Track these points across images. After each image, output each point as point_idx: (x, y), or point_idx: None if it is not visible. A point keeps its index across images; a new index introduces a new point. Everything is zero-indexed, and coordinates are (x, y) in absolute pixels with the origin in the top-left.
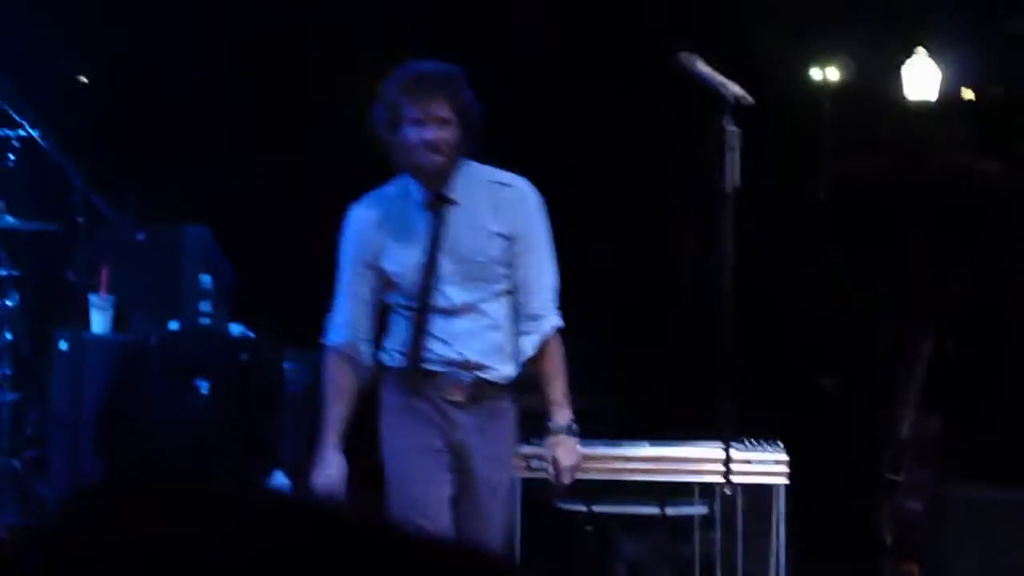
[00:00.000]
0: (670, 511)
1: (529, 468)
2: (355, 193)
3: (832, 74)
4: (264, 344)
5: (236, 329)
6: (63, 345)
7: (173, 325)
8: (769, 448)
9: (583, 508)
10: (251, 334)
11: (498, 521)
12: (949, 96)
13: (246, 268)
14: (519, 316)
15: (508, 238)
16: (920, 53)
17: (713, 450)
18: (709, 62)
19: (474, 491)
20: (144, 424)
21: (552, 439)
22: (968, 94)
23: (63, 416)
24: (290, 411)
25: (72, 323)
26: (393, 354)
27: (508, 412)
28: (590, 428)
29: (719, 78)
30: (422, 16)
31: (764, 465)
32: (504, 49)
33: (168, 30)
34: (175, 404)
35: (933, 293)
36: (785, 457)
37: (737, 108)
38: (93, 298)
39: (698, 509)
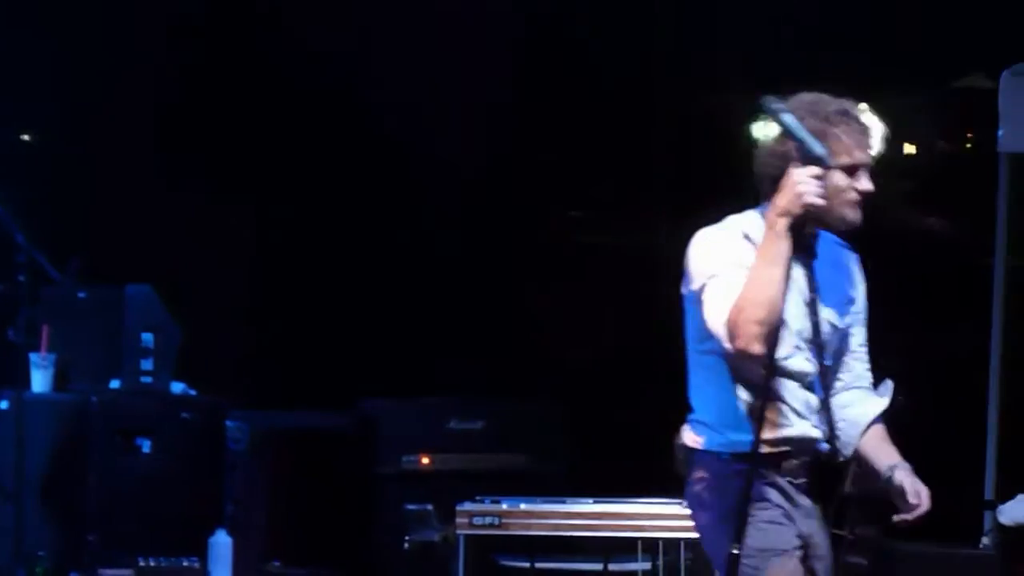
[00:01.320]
0: (613, 567)
1: (471, 524)
2: (296, 252)
3: (772, 130)
4: (206, 402)
5: (178, 387)
6: (3, 404)
7: (115, 384)
8: None
9: (526, 564)
10: (193, 392)
11: None
12: (891, 151)
13: (189, 326)
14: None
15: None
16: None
17: (656, 506)
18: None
19: None
20: (87, 484)
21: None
22: (909, 148)
23: (5, 476)
24: (232, 470)
25: (13, 382)
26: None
27: None
28: (538, 485)
29: (803, 132)
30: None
31: None
32: None
33: (111, 90)
34: (118, 463)
35: (878, 349)
36: None
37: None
38: (34, 357)
39: (641, 565)
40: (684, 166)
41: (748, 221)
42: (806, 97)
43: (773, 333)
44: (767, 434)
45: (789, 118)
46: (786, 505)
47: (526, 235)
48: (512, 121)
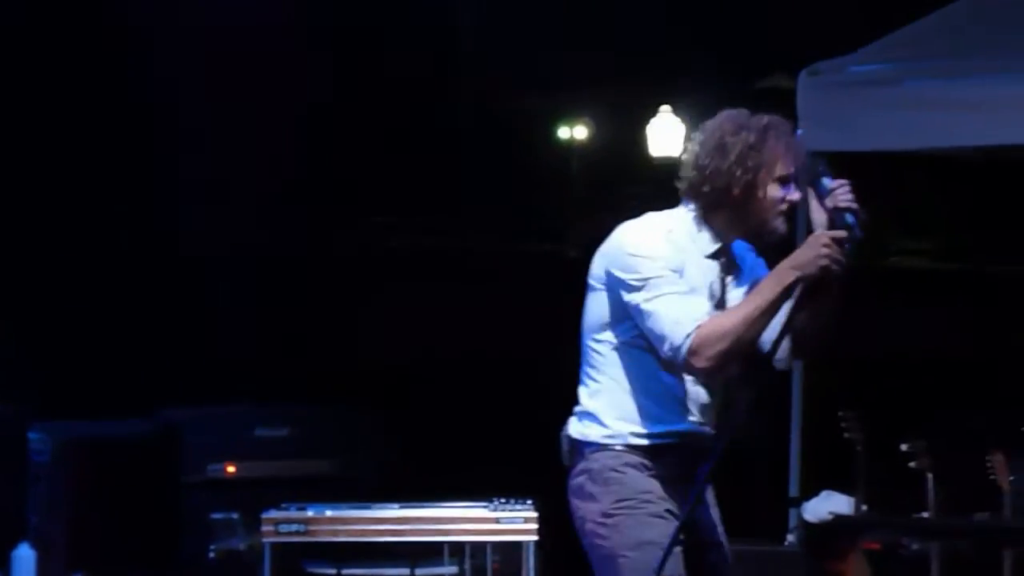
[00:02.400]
0: (420, 572)
1: (277, 532)
2: (95, 267)
3: (579, 132)
4: (7, 414)
5: None
6: None
7: None
8: (519, 506)
9: (333, 571)
10: None
11: None
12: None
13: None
14: None
15: None
16: (665, 111)
17: (462, 510)
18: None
19: None
20: None
21: None
22: None
23: None
24: (36, 481)
25: None
26: (653, 427)
27: None
28: (345, 491)
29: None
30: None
31: (513, 523)
32: None
33: None
34: None
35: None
36: (535, 514)
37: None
38: None
39: (448, 569)
40: (490, 170)
41: (674, 222)
42: (733, 112)
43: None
44: (651, 429)
45: (829, 182)
46: (671, 498)
47: (331, 240)
48: (318, 127)
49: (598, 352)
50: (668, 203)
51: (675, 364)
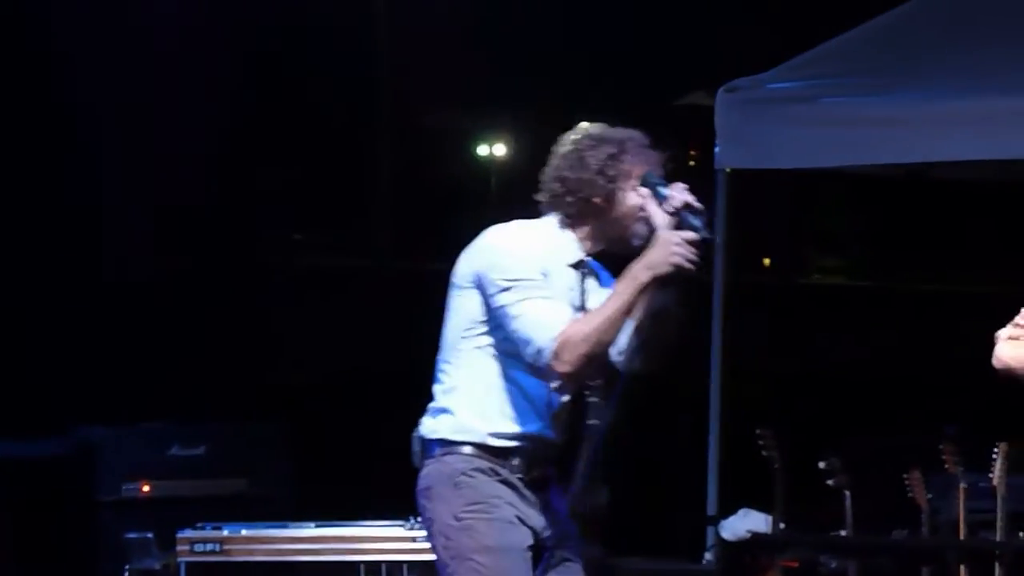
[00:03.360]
0: None
1: (192, 552)
2: (10, 284)
3: (499, 150)
4: None
5: None
6: None
7: None
8: None
9: None
10: None
11: None
12: None
13: None
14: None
15: None
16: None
17: (378, 529)
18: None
19: None
20: None
21: None
22: None
23: None
24: None
25: None
26: (504, 429)
27: None
28: (262, 511)
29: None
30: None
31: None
32: None
33: None
34: None
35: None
36: None
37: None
38: None
39: None
40: (405, 186)
41: (540, 231)
42: (594, 127)
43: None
44: (504, 429)
45: (665, 190)
46: (519, 503)
47: (246, 257)
48: (232, 143)
49: (458, 351)
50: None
51: (538, 367)
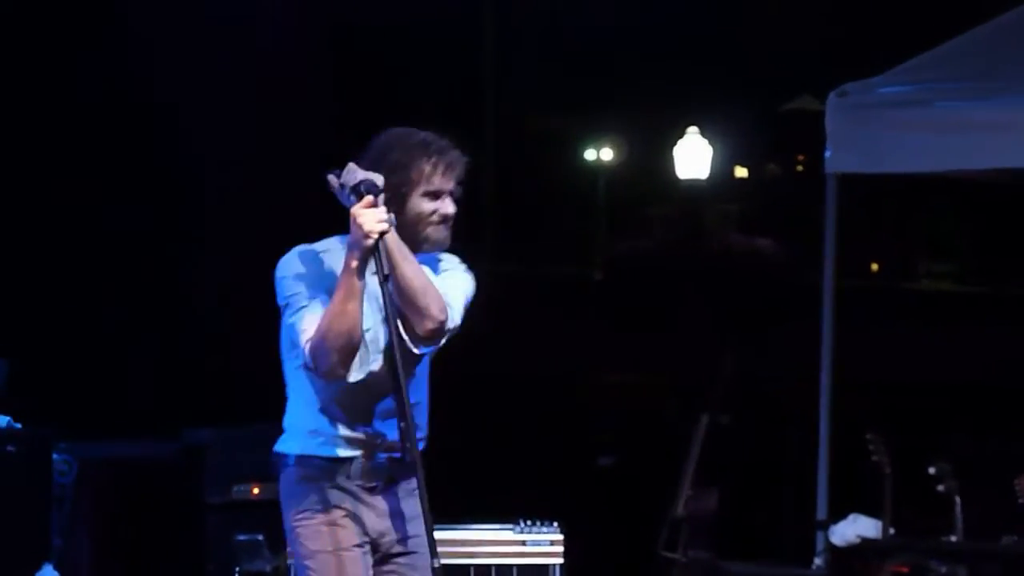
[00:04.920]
0: None
1: None
2: (121, 289)
3: (606, 154)
4: (32, 435)
5: (2, 420)
6: None
7: None
8: (545, 529)
9: None
10: (18, 425)
11: None
12: (722, 174)
13: (14, 359)
14: None
15: None
16: (692, 132)
17: (488, 533)
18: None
19: None
20: None
21: None
22: (741, 171)
23: None
24: (59, 503)
25: None
26: (330, 438)
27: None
28: None
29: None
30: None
31: (539, 546)
32: None
33: None
34: None
35: (707, 369)
36: (560, 537)
37: None
38: None
39: None
40: (512, 191)
41: (335, 242)
42: (396, 130)
43: (351, 354)
44: (335, 441)
45: (332, 178)
46: (349, 506)
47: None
48: (335, 148)
49: (286, 371)
50: (693, 224)
51: (315, 373)
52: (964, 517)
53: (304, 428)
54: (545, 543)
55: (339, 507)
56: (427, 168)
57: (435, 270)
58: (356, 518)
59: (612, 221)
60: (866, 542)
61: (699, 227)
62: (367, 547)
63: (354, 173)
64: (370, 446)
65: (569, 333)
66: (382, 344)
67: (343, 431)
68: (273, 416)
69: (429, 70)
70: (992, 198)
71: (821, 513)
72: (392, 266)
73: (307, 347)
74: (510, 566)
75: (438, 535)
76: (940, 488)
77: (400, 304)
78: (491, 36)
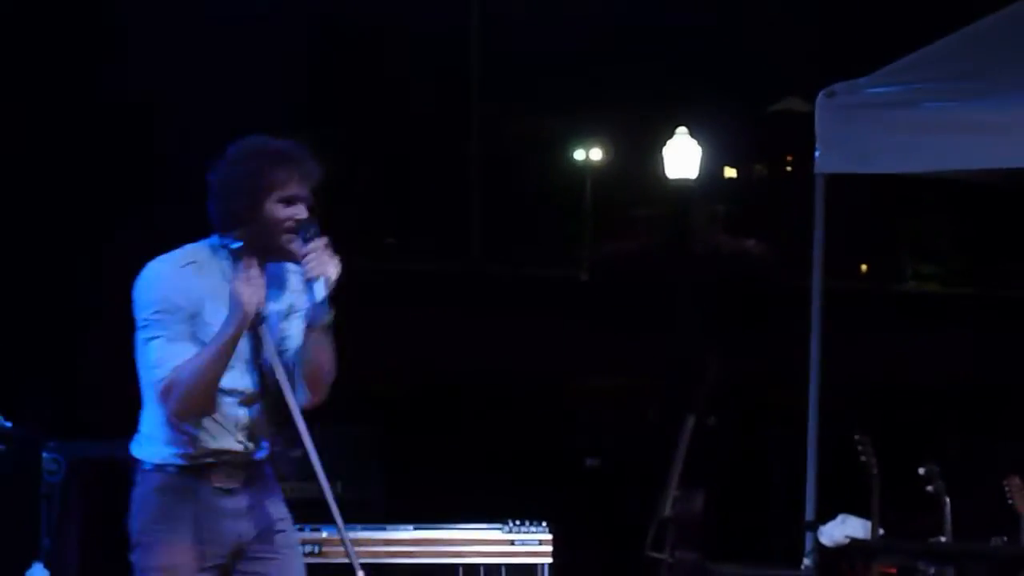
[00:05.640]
0: None
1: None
2: (111, 284)
3: (594, 155)
4: (21, 434)
5: None
6: None
7: None
8: (533, 528)
9: None
10: (7, 424)
11: None
12: (710, 175)
13: (2, 357)
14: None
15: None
16: (681, 132)
17: (476, 532)
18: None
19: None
20: None
21: None
22: (730, 172)
23: None
24: (49, 502)
25: None
26: (186, 447)
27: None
28: (355, 513)
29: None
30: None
31: (528, 545)
32: None
33: None
34: None
35: (695, 371)
36: (549, 537)
37: None
38: None
39: None
40: (499, 191)
41: (202, 251)
42: (252, 138)
43: (208, 408)
44: (191, 449)
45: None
46: (203, 523)
47: (340, 261)
48: (326, 148)
49: (141, 381)
50: (679, 224)
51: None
52: (953, 518)
53: (161, 437)
54: (534, 543)
55: (191, 526)
56: (282, 175)
57: (285, 286)
58: (207, 537)
59: (599, 222)
60: (855, 543)
61: (686, 228)
62: (213, 570)
63: (316, 261)
64: (227, 452)
65: (556, 334)
66: (245, 356)
67: (200, 440)
68: None
69: (416, 70)
70: (980, 199)
71: (809, 514)
72: (318, 350)
73: (160, 386)
74: (498, 566)
75: (427, 535)
76: (929, 489)
77: (300, 370)
78: (478, 36)
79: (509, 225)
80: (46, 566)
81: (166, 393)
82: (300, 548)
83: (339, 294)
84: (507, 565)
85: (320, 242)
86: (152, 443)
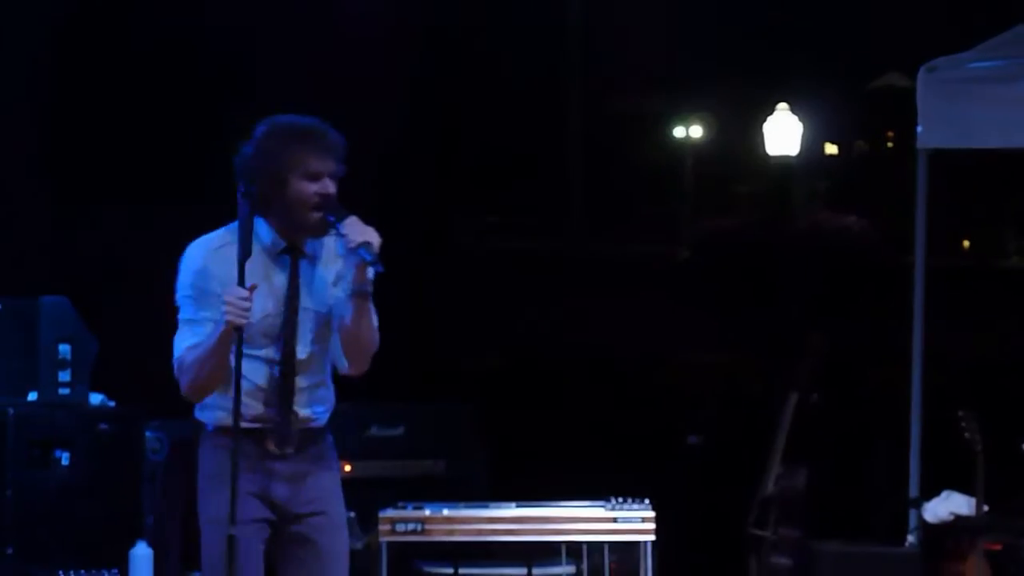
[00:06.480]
0: (537, 572)
1: (394, 531)
2: None
3: (695, 131)
4: (125, 413)
5: (96, 398)
6: None
7: (32, 396)
8: (636, 506)
9: (450, 570)
10: (111, 403)
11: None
12: (811, 151)
13: (106, 337)
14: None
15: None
16: (782, 109)
17: (580, 509)
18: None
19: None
20: (4, 498)
21: None
22: (831, 148)
23: None
24: (151, 480)
25: None
26: (247, 411)
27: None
28: (457, 490)
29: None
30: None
31: (631, 523)
32: None
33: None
34: (36, 476)
35: (798, 348)
36: (652, 514)
37: None
38: None
39: (566, 569)
40: (597, 169)
41: (232, 233)
42: (277, 118)
43: (206, 394)
44: (248, 413)
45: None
46: (256, 480)
47: (441, 240)
48: (429, 130)
49: None
50: (782, 201)
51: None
52: None
53: (218, 401)
54: (636, 520)
55: (245, 480)
56: (304, 151)
57: (327, 257)
58: (260, 493)
59: (700, 199)
60: (959, 519)
61: (787, 205)
62: (261, 523)
63: (359, 231)
64: (279, 419)
65: (657, 312)
66: (275, 329)
67: (254, 406)
68: (363, 394)
69: (516, 47)
70: None
71: (913, 491)
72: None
73: (175, 366)
74: (601, 543)
75: (530, 512)
76: None
77: (341, 339)
78: (577, 14)
79: (610, 203)
80: (149, 544)
81: (177, 373)
82: (344, 529)
83: (443, 272)
84: (610, 542)
85: (352, 217)
86: (211, 407)
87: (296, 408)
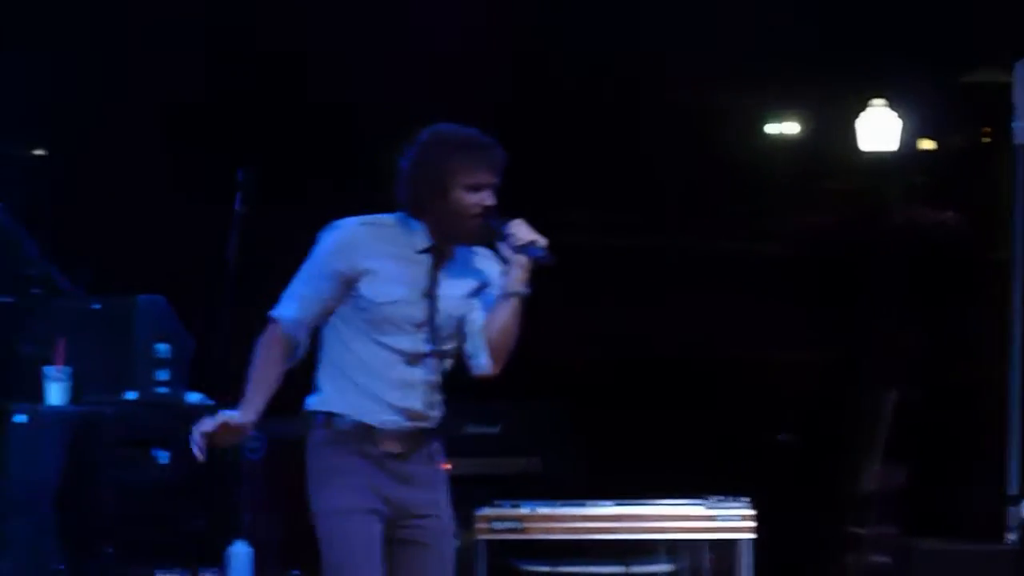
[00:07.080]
0: (635, 570)
1: (491, 529)
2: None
3: (789, 128)
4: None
5: (194, 397)
6: (21, 418)
7: (130, 395)
8: (735, 504)
9: (547, 569)
10: (210, 402)
11: None
12: (907, 146)
13: (204, 336)
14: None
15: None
16: (878, 104)
17: (678, 507)
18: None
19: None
20: (104, 496)
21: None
22: (927, 144)
23: (19, 490)
24: (250, 479)
25: (26, 396)
26: (358, 404)
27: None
28: (553, 488)
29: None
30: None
31: (730, 521)
32: None
33: (115, 97)
34: (134, 475)
35: (893, 345)
36: (751, 512)
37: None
38: (49, 370)
39: (663, 567)
40: (688, 167)
41: (390, 220)
42: (439, 127)
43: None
44: (364, 406)
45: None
46: (369, 473)
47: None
48: (511, 124)
49: (322, 333)
50: (875, 199)
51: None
52: None
53: (334, 391)
54: (736, 518)
55: (358, 472)
56: (468, 162)
57: (473, 268)
58: (373, 485)
59: (794, 195)
60: None
61: (883, 200)
62: (379, 515)
63: (524, 231)
64: (396, 414)
65: (750, 308)
66: (418, 319)
67: (371, 398)
68: (458, 392)
69: (611, 46)
70: None
71: (1012, 488)
72: (512, 318)
73: (269, 318)
74: (701, 541)
75: (628, 510)
76: None
77: (486, 338)
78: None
79: (703, 199)
80: (249, 543)
81: (261, 339)
82: (452, 535)
83: (537, 270)
84: (709, 541)
85: (517, 220)
86: (325, 397)
87: (418, 408)
